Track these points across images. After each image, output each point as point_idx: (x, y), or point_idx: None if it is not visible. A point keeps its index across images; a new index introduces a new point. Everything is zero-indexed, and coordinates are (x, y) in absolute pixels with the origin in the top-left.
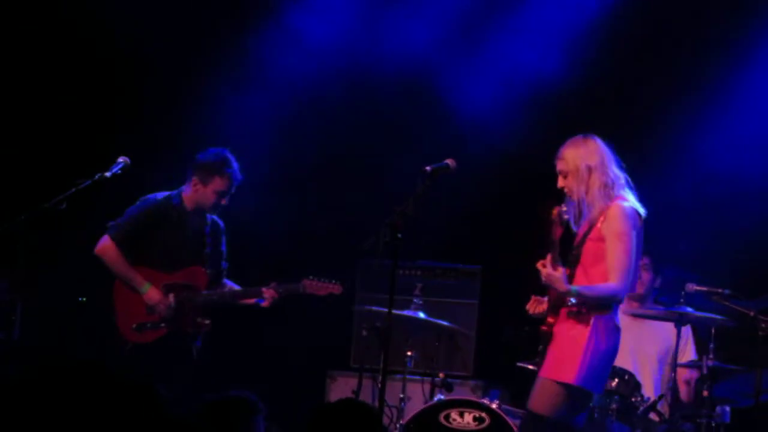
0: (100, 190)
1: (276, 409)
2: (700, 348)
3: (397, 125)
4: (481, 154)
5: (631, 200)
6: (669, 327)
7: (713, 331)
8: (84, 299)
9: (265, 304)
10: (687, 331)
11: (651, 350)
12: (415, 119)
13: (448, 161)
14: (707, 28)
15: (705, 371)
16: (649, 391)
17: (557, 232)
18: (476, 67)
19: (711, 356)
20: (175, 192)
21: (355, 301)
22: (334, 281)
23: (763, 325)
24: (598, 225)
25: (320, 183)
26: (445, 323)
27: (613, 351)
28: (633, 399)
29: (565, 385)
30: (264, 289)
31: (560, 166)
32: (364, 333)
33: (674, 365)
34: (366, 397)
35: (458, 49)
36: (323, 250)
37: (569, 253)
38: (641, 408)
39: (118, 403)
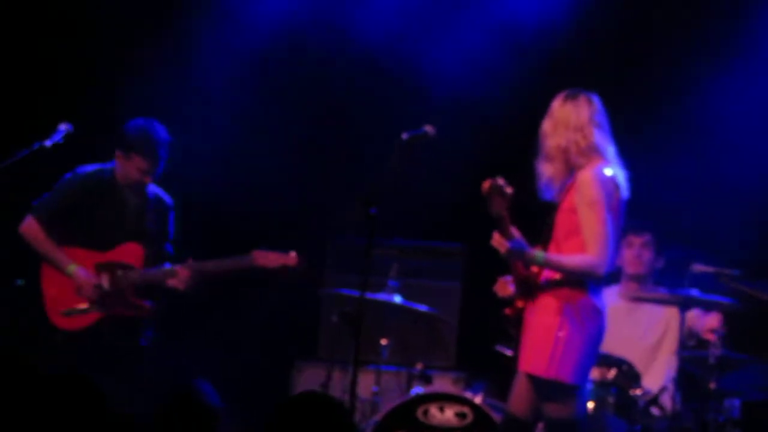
0: (40, 160)
1: (237, 404)
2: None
3: (371, 96)
4: (463, 122)
5: (608, 169)
6: (670, 311)
7: (722, 315)
8: (22, 282)
9: (179, 287)
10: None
11: (651, 337)
12: (392, 88)
13: (427, 128)
14: None
15: (712, 360)
16: (650, 382)
17: (500, 204)
18: (454, 31)
19: (719, 344)
20: (109, 164)
21: (324, 284)
22: (288, 251)
23: None
24: (570, 193)
25: (287, 156)
26: (423, 308)
27: (594, 337)
28: (632, 392)
29: (542, 380)
30: (179, 268)
31: (545, 124)
32: (334, 319)
33: (679, 354)
34: (336, 390)
35: (432, 13)
36: (290, 227)
37: (543, 228)
38: (642, 401)
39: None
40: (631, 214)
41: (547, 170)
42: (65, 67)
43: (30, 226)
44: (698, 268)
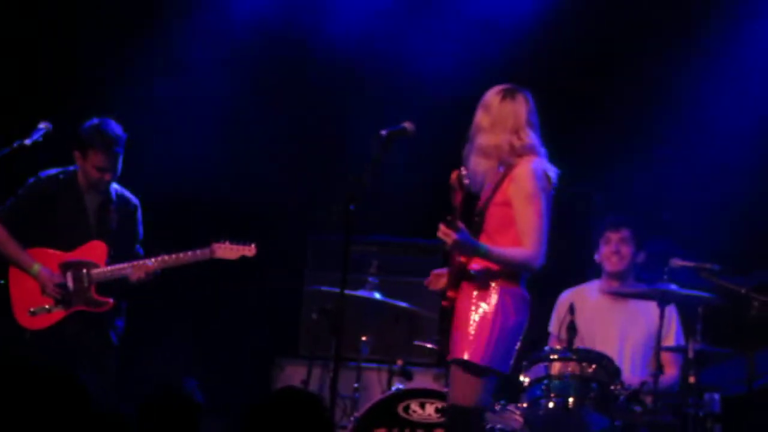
0: (20, 159)
1: (218, 401)
2: (686, 330)
3: (351, 92)
4: (444, 116)
5: (542, 164)
6: (650, 306)
7: (700, 310)
8: (3, 282)
9: (132, 276)
10: (672, 313)
11: (637, 333)
12: (372, 85)
13: (406, 124)
14: None
15: (691, 355)
16: (635, 378)
17: (457, 196)
18: (436, 28)
19: (698, 338)
20: (71, 167)
21: (304, 281)
22: (247, 242)
23: (756, 304)
24: (504, 186)
25: (266, 154)
26: (404, 304)
27: (521, 326)
28: (613, 387)
29: (476, 366)
30: (138, 263)
31: (481, 117)
32: (314, 316)
33: (657, 348)
34: (316, 387)
35: (414, 10)
36: (270, 224)
37: (471, 220)
38: (622, 397)
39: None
40: (611, 209)
41: (480, 165)
42: (46, 64)
43: None
44: (677, 262)
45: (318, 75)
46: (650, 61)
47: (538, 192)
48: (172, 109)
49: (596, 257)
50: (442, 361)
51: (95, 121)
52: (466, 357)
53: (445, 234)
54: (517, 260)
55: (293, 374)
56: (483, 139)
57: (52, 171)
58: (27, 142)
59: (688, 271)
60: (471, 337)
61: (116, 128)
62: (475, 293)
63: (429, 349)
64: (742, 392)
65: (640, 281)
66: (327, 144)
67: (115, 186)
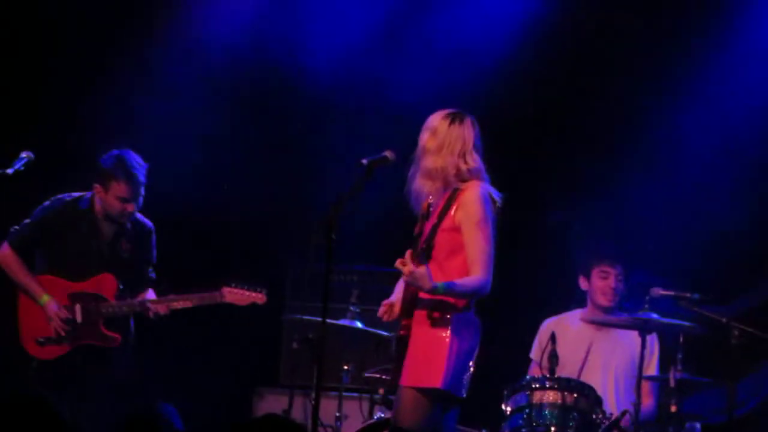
0: (1, 188)
1: (197, 429)
2: (666, 359)
3: (332, 121)
4: None
5: (487, 188)
6: (637, 336)
7: (681, 339)
8: None
9: (149, 314)
10: (653, 343)
11: (619, 362)
12: (353, 112)
13: (387, 153)
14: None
15: (672, 384)
16: (619, 408)
17: (419, 226)
18: (414, 51)
19: (679, 367)
20: (88, 194)
21: (285, 310)
22: (258, 289)
23: (737, 333)
24: (451, 213)
25: (246, 182)
26: (385, 333)
27: (473, 351)
28: (594, 416)
29: (432, 391)
30: (150, 305)
31: (421, 140)
32: (295, 345)
33: (639, 377)
34: (298, 416)
35: (392, 34)
36: (248, 252)
37: (415, 248)
38: (603, 425)
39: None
40: (591, 237)
41: (426, 186)
42: (26, 92)
43: (5, 254)
44: (658, 291)
45: (300, 101)
46: (627, 87)
47: (486, 217)
48: (151, 137)
49: (584, 286)
50: (393, 389)
51: (115, 152)
52: (424, 383)
53: (402, 264)
54: (470, 290)
55: (274, 403)
56: (429, 162)
57: (67, 196)
58: (9, 171)
59: (669, 300)
60: (428, 363)
61: (138, 158)
62: (429, 321)
63: (380, 379)
64: (723, 421)
65: (622, 311)
66: (307, 172)
67: None
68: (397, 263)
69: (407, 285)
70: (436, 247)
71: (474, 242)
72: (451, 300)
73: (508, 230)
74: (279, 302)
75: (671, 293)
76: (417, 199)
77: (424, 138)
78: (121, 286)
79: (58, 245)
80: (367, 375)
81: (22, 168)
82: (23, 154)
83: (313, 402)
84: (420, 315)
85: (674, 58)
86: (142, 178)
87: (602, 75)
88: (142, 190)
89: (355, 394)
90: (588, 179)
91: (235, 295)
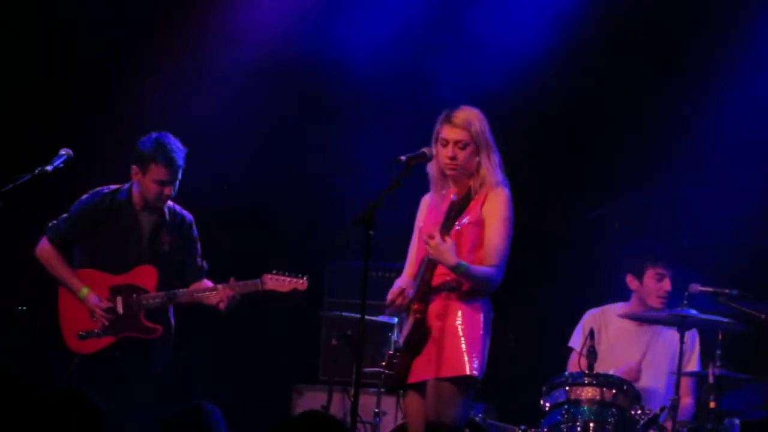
0: (42, 185)
1: (238, 427)
2: (705, 355)
3: (371, 116)
4: None
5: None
6: (671, 330)
7: (720, 335)
8: (24, 308)
9: (221, 306)
10: (693, 339)
11: (659, 358)
12: (389, 105)
13: (425, 149)
14: None
15: (711, 380)
16: (657, 404)
17: (432, 214)
18: (452, 46)
19: (718, 364)
20: (126, 185)
21: (324, 307)
22: (299, 275)
23: None
24: (475, 207)
25: (285, 178)
26: None
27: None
28: (633, 412)
29: (470, 379)
30: (221, 286)
31: (461, 135)
32: (334, 342)
33: (678, 374)
34: (336, 412)
35: (435, 27)
36: (287, 249)
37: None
38: (642, 422)
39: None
40: (629, 233)
41: (455, 180)
42: (67, 91)
43: (43, 250)
44: (696, 288)
45: (339, 99)
46: (667, 84)
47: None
48: (191, 134)
49: (632, 285)
50: (400, 383)
51: (154, 135)
52: (462, 372)
53: (430, 237)
54: (484, 279)
55: (313, 400)
56: (465, 158)
57: (105, 189)
58: (48, 168)
59: (707, 297)
60: (464, 353)
61: (177, 142)
62: (448, 307)
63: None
64: (762, 417)
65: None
66: (346, 168)
67: (168, 203)
68: (425, 235)
69: (426, 267)
70: (463, 239)
71: (495, 236)
72: (472, 290)
73: (549, 225)
74: (318, 299)
75: (710, 289)
76: (437, 184)
77: (461, 134)
78: (161, 278)
79: (97, 239)
80: (367, 370)
81: (62, 165)
82: (62, 151)
83: (351, 398)
84: (442, 303)
85: (717, 53)
86: (180, 162)
87: (645, 71)
88: (180, 174)
89: None
90: (626, 175)
91: (276, 282)
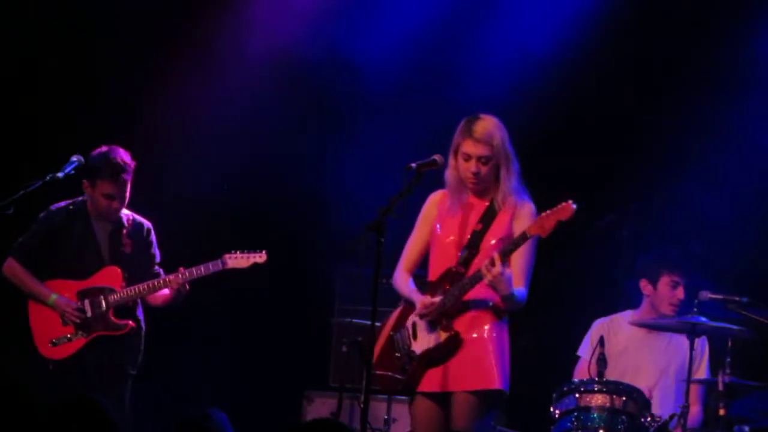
0: (52, 192)
1: None
2: (715, 362)
3: (382, 120)
4: None
5: None
6: (681, 338)
7: (730, 343)
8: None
9: (168, 292)
10: (703, 346)
11: (669, 365)
12: (404, 110)
13: (435, 157)
14: None
15: (721, 388)
16: (667, 411)
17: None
18: (474, 48)
19: (727, 371)
20: (81, 198)
21: (334, 314)
22: (258, 250)
23: None
24: (505, 222)
25: (296, 181)
26: None
27: None
28: (642, 419)
29: (500, 393)
30: (170, 277)
31: (484, 150)
32: (344, 348)
33: (688, 381)
34: (347, 419)
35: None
36: (298, 255)
37: (466, 246)
38: (651, 429)
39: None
40: (641, 240)
41: (476, 192)
42: (78, 97)
43: (9, 267)
44: (706, 295)
45: (350, 102)
46: (684, 92)
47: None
48: (202, 138)
49: (646, 290)
50: (408, 390)
51: (104, 149)
52: (489, 386)
53: (492, 264)
54: (519, 302)
55: (323, 406)
56: (487, 171)
57: (62, 203)
58: (59, 175)
59: (717, 304)
60: (493, 366)
61: (124, 156)
62: (474, 321)
63: (393, 377)
64: None
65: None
66: (356, 175)
67: (126, 212)
68: (487, 263)
69: (464, 286)
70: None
71: (525, 260)
72: (495, 304)
73: (561, 230)
74: (328, 305)
75: (720, 297)
76: (454, 191)
77: (484, 149)
78: (126, 275)
79: (57, 249)
80: (379, 372)
81: (73, 172)
82: (74, 158)
83: (362, 405)
84: (471, 318)
85: (735, 61)
86: (126, 177)
87: (663, 80)
88: (128, 188)
89: (404, 397)
90: (636, 182)
91: (236, 259)
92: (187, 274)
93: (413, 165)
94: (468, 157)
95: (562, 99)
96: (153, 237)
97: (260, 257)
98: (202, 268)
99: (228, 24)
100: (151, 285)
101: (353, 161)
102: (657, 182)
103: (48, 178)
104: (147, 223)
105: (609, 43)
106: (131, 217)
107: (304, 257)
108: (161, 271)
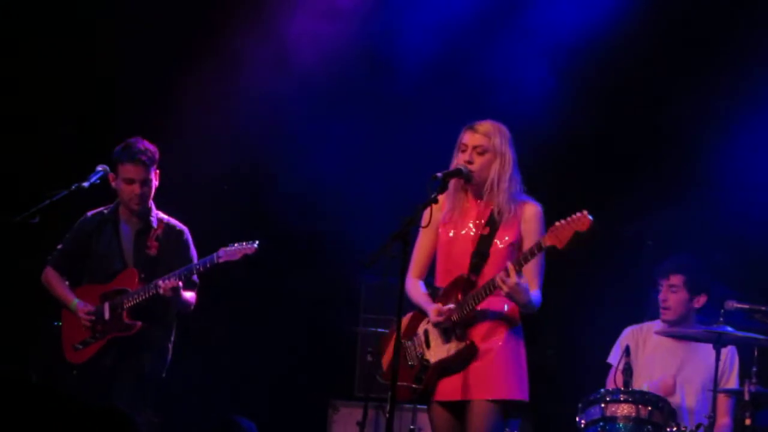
0: (78, 201)
1: None
2: (741, 372)
3: (410, 130)
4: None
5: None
6: (706, 348)
7: (756, 352)
8: (60, 323)
9: (160, 290)
10: (733, 356)
11: (695, 375)
12: (429, 124)
13: (461, 166)
14: None
15: (747, 397)
16: (694, 421)
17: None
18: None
19: (754, 380)
20: (114, 204)
21: (360, 323)
22: (250, 242)
23: None
24: (512, 225)
25: (322, 190)
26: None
27: None
28: (668, 429)
29: (519, 403)
30: (160, 282)
31: (480, 141)
32: (370, 358)
33: (714, 391)
34: (372, 429)
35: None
36: (323, 264)
37: (475, 252)
38: None
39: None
40: (663, 251)
41: (479, 194)
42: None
43: (46, 276)
44: (732, 304)
45: (380, 116)
46: (701, 102)
47: None
48: (231, 143)
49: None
50: (423, 399)
51: (126, 139)
52: (520, 396)
53: (508, 275)
54: (535, 307)
55: (349, 416)
56: (481, 162)
57: (96, 210)
58: (85, 184)
59: (743, 313)
60: (514, 376)
61: (145, 143)
62: (491, 330)
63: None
64: None
65: (700, 323)
66: (382, 184)
67: (161, 215)
68: (501, 273)
69: (478, 295)
70: (500, 257)
71: (537, 260)
72: (510, 314)
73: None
74: (354, 315)
75: (746, 306)
76: (455, 194)
77: (480, 140)
78: (143, 276)
79: (89, 254)
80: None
81: (98, 181)
82: (99, 168)
83: (387, 414)
84: (486, 327)
85: (751, 73)
86: (145, 158)
87: (680, 91)
88: (151, 173)
89: None
90: (659, 192)
91: (229, 253)
92: (170, 281)
93: (439, 174)
94: (465, 148)
95: (583, 112)
96: (186, 240)
97: (250, 249)
98: (200, 264)
99: (253, 29)
100: (147, 290)
101: (379, 171)
102: (679, 192)
103: (73, 187)
104: (180, 226)
105: (634, 52)
106: (164, 220)
107: (329, 267)
108: (196, 279)
